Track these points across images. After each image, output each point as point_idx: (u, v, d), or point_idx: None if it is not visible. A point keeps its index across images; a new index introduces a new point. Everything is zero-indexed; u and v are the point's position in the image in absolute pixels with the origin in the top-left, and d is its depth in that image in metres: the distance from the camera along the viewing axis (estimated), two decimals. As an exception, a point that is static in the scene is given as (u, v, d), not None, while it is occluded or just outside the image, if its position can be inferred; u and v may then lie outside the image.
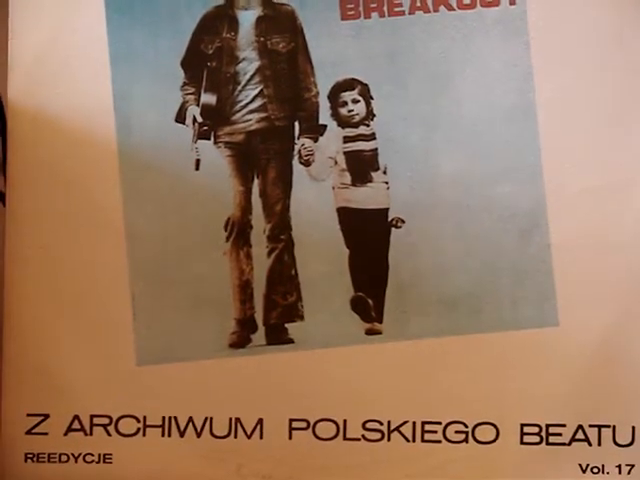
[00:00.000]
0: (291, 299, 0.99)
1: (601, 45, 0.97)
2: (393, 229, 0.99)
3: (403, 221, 0.99)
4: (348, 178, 1.00)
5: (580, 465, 0.97)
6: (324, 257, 0.99)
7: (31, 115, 0.99)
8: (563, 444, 0.97)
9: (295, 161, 1.00)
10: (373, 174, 1.00)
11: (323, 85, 1.00)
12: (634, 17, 0.97)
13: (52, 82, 0.99)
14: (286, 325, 0.99)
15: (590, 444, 0.97)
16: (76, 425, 0.99)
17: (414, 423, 0.98)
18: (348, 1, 0.99)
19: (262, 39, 1.00)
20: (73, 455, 0.99)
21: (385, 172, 1.00)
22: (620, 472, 0.97)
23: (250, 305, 0.99)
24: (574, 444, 0.97)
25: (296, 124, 1.00)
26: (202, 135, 0.99)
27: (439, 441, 0.98)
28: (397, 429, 0.98)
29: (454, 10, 0.99)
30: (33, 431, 0.99)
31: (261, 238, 1.00)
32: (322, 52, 0.99)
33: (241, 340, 0.99)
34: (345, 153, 1.00)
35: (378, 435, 0.98)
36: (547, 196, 0.98)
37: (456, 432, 0.98)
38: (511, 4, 0.98)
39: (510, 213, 0.98)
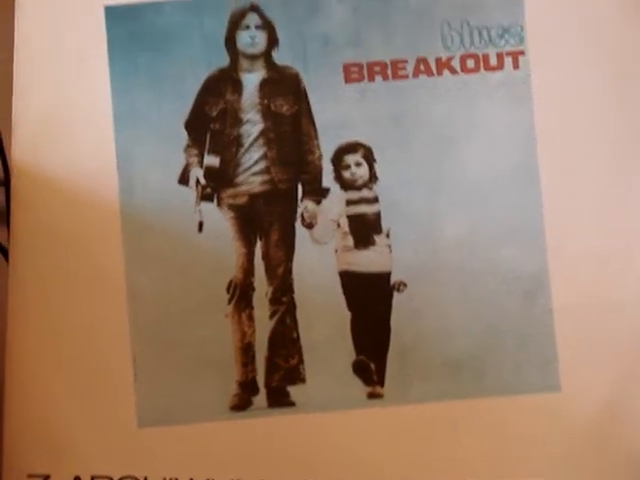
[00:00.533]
0: (293, 362, 0.99)
1: (603, 110, 0.98)
2: (395, 293, 0.99)
3: (405, 285, 0.99)
4: (351, 241, 1.00)
5: (584, 530, 0.97)
6: (326, 320, 0.99)
7: (35, 175, 0.99)
8: (566, 509, 0.97)
9: (298, 224, 1.00)
10: (376, 237, 1.00)
11: (326, 148, 1.00)
12: (636, 83, 0.97)
13: (56, 142, 1.00)
14: (288, 388, 0.99)
15: (593, 509, 0.97)
16: (77, 486, 0.98)
17: (416, 487, 0.98)
18: (352, 64, 0.99)
19: (266, 102, 1.00)
20: (74, 516, 0.98)
21: (388, 235, 1.00)
22: (625, 536, 0.97)
23: (252, 367, 0.99)
24: (577, 509, 0.97)
25: (299, 187, 1.00)
26: (205, 197, 1.00)
27: (441, 505, 0.98)
28: (399, 493, 0.98)
29: (458, 74, 0.99)
30: (34, 492, 0.98)
31: (263, 300, 1.00)
32: (326, 115, 1.00)
33: (243, 403, 0.99)
34: (348, 216, 1.00)
35: (379, 499, 0.98)
36: (550, 258, 0.98)
37: (458, 497, 0.98)
38: (515, 68, 0.99)
39: (514, 276, 0.98)
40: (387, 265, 1.00)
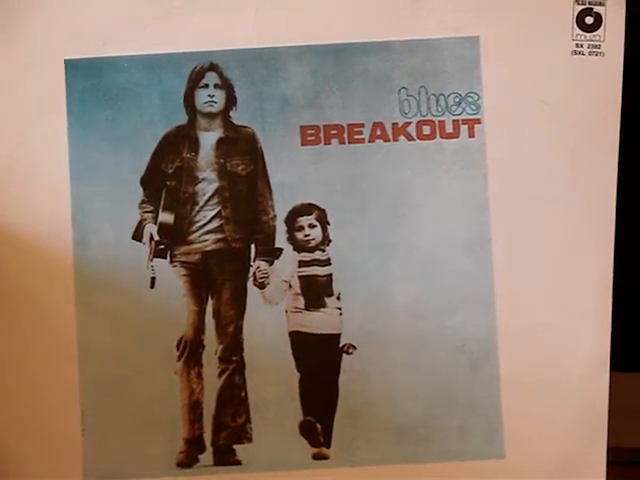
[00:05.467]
0: (240, 421, 1.00)
1: (557, 182, 0.98)
2: (344, 355, 1.00)
3: (355, 347, 0.99)
4: (302, 302, 1.01)
5: None
6: (275, 380, 0.99)
7: (-11, 226, 0.99)
8: None
9: (250, 283, 1.00)
10: (327, 299, 1.01)
11: (281, 208, 1.00)
12: (591, 155, 0.98)
13: (11, 194, 1.00)
14: (234, 446, 1.00)
15: None
16: (20, 538, 0.99)
17: None
18: (308, 127, 0.99)
19: (222, 161, 1.01)
20: None
21: (339, 298, 1.00)
22: None
23: (199, 425, 1.00)
24: None
25: (252, 246, 1.01)
26: (158, 253, 1.00)
27: None
28: None
29: (414, 140, 0.99)
30: (-22, 543, 0.99)
31: (213, 358, 1.00)
32: (281, 176, 1.00)
33: (189, 460, 0.99)
34: (300, 277, 1.01)
35: None
36: (499, 328, 0.99)
37: None
38: (470, 137, 0.99)
39: (462, 344, 0.99)
40: (337, 327, 1.00)
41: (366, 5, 0.99)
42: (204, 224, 1.00)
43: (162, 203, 1.00)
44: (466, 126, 0.99)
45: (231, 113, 1.00)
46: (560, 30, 0.98)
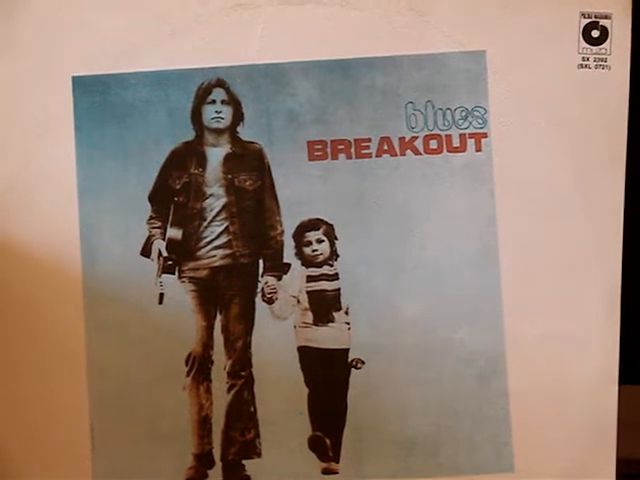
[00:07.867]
0: (249, 436, 1.00)
1: (564, 194, 0.98)
2: (353, 369, 1.00)
3: (363, 362, 1.00)
4: (310, 317, 1.01)
5: None
6: (284, 395, 1.00)
7: (-1, 241, 1.00)
8: None
9: (258, 298, 1.00)
10: (335, 314, 1.01)
11: (288, 224, 1.00)
12: (597, 168, 0.98)
13: (19, 210, 1.00)
14: (243, 462, 1.00)
15: None
16: None
17: None
18: (315, 142, 1.00)
19: (229, 176, 1.01)
20: None
21: (347, 313, 1.00)
22: None
23: (208, 440, 1.00)
24: None
25: (260, 262, 1.01)
26: (167, 269, 1.00)
27: None
28: None
29: (421, 154, 0.99)
30: None
31: (221, 374, 1.00)
32: (288, 191, 1.00)
33: (198, 475, 1.00)
34: (308, 292, 1.01)
35: None
36: (507, 342, 0.99)
37: None
38: (477, 151, 0.99)
39: (470, 357, 0.99)
40: (345, 342, 1.00)
41: (372, 20, 0.99)
42: (212, 240, 1.01)
43: (170, 219, 1.01)
44: (473, 140, 0.99)
45: (238, 129, 1.01)
46: (566, 44, 0.98)
